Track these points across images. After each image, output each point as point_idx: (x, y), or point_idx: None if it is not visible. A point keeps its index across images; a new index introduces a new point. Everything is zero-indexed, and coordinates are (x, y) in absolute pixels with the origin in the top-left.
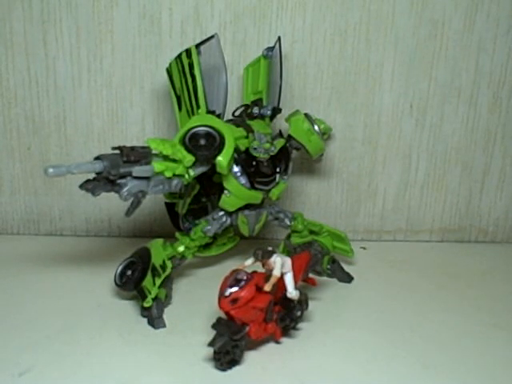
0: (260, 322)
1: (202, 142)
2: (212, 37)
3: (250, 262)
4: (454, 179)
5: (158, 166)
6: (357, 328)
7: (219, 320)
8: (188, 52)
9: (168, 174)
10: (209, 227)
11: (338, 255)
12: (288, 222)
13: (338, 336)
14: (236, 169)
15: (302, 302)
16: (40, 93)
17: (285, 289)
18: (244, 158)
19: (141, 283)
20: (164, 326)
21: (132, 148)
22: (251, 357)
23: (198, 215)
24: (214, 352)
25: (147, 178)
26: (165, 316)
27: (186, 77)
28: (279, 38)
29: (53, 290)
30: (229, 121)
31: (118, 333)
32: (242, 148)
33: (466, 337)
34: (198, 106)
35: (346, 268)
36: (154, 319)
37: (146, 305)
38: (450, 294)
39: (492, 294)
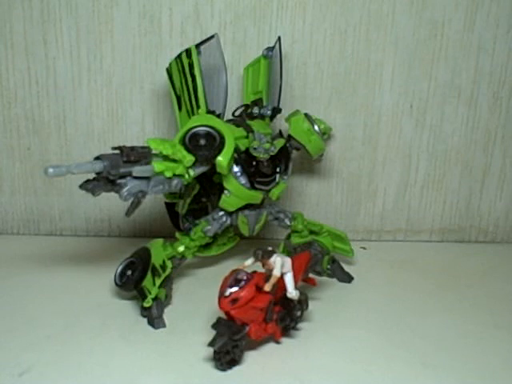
0: (260, 322)
1: (202, 142)
2: (212, 37)
3: (249, 262)
4: (453, 179)
5: (158, 165)
6: (357, 328)
7: (219, 320)
8: (188, 52)
9: (168, 174)
10: (209, 227)
11: (338, 255)
12: (288, 222)
13: (338, 336)
14: (236, 169)
15: (302, 302)
16: (40, 93)
17: (285, 289)
18: (244, 158)
19: (141, 283)
20: (164, 326)
21: (132, 148)
22: (251, 357)
23: (197, 215)
24: (214, 352)
25: (147, 178)
26: (165, 316)
27: (186, 77)
28: (279, 38)
29: (53, 289)
30: (229, 121)
31: (118, 333)
32: (242, 148)
33: (466, 337)
34: (198, 106)
35: (346, 268)
36: (154, 319)
37: (146, 305)
38: (450, 294)
39: (492, 293)
